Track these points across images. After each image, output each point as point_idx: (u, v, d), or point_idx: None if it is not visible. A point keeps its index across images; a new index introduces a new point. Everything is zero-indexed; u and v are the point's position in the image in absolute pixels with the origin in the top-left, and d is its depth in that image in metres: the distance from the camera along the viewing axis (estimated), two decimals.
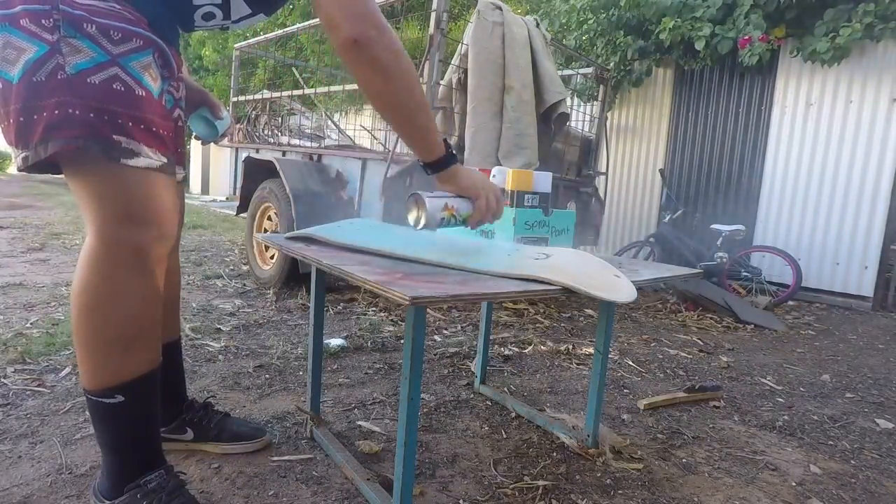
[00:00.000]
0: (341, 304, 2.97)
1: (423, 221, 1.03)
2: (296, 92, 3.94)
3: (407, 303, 0.75)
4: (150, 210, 0.92)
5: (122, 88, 0.87)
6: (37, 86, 0.82)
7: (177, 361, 1.29)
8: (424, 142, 1.02)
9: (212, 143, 1.41)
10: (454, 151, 1.06)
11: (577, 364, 2.25)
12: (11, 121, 0.84)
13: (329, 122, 4.47)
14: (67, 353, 1.89)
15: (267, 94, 4.20)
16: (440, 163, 1.05)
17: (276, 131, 4.46)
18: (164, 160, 0.94)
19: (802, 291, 4.26)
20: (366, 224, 1.46)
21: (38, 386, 1.61)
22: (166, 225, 0.96)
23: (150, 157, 0.91)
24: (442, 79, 3.01)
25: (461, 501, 1.18)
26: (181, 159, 1.03)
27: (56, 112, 0.82)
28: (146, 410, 0.99)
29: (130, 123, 0.88)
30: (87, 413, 1.45)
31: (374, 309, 2.90)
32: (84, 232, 5.16)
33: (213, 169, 15.29)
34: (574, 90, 5.21)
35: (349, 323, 2.60)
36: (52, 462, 1.22)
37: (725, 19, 4.47)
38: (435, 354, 2.22)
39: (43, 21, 0.82)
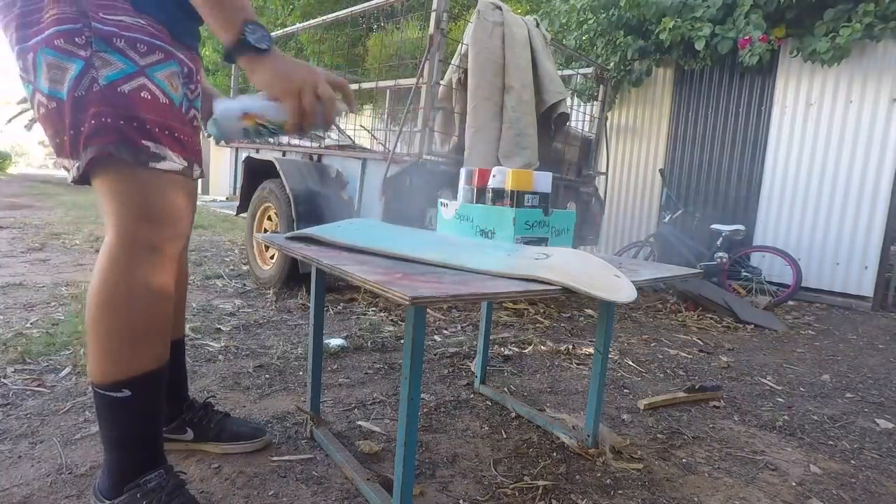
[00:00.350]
0: (341, 304, 2.97)
1: (214, 130, 0.92)
2: None
3: (407, 303, 0.75)
4: (167, 210, 0.96)
5: (149, 97, 0.92)
6: (79, 100, 0.88)
7: (180, 361, 1.30)
8: (220, 21, 0.89)
9: (211, 143, 1.41)
10: (267, 36, 0.89)
11: (577, 364, 2.25)
12: (67, 137, 0.90)
13: None
14: (67, 353, 1.89)
15: None
16: (231, 50, 0.90)
17: None
18: (185, 163, 0.98)
19: (802, 291, 4.26)
20: (366, 224, 1.46)
21: (38, 386, 1.61)
22: (182, 224, 1.00)
23: (174, 161, 0.96)
24: (442, 79, 3.01)
25: (461, 501, 1.18)
26: (199, 158, 1.06)
27: (93, 122, 0.88)
28: (151, 408, 1.01)
29: (157, 129, 0.92)
30: (93, 410, 1.45)
31: (374, 309, 2.90)
32: (85, 232, 5.17)
33: (213, 169, 15.29)
34: (574, 90, 5.21)
35: (349, 323, 2.60)
36: (52, 462, 1.22)
37: (725, 19, 4.47)
38: (435, 354, 2.22)
39: (76, 39, 0.87)
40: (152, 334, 0.98)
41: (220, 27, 0.89)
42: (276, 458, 1.30)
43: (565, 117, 3.29)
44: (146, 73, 0.92)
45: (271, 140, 0.95)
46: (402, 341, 2.35)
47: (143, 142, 0.91)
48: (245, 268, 3.82)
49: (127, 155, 0.90)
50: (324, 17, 3.66)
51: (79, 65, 0.87)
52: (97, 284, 0.94)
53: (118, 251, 0.93)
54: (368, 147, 3.90)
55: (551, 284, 0.92)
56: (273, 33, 4.42)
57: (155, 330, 0.98)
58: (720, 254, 4.21)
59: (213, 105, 0.95)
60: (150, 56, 0.92)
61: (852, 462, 1.51)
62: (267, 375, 1.84)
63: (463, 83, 3.07)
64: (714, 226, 4.34)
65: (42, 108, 0.91)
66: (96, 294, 0.94)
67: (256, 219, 3.39)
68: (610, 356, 2.38)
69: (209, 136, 1.18)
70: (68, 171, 0.94)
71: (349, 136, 4.03)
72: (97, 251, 4.09)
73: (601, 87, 4.19)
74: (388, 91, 4.42)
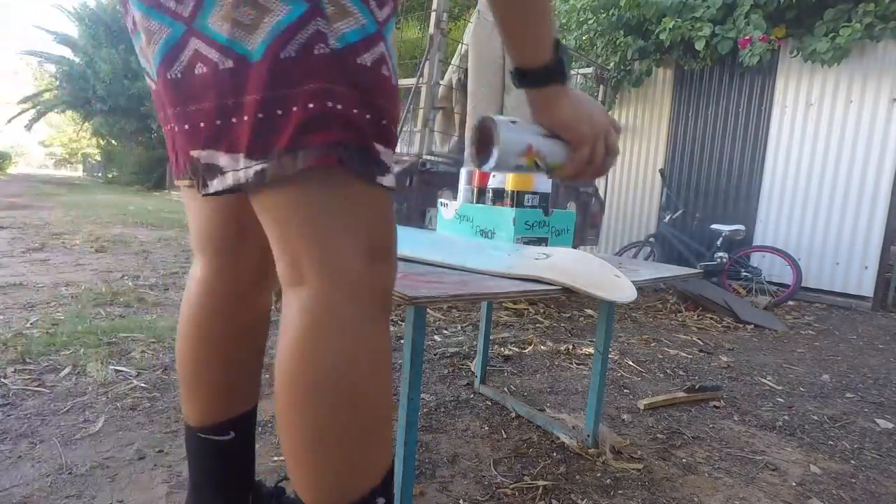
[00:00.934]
0: None
1: (492, 162, 0.71)
2: None
3: (407, 303, 0.75)
4: (392, 241, 0.66)
5: (388, 75, 0.60)
6: (286, 66, 0.54)
7: (251, 436, 0.94)
8: (535, 32, 0.66)
9: None
10: (560, 64, 0.69)
11: (577, 364, 2.25)
12: (245, 117, 0.55)
13: None
14: (67, 352, 1.89)
15: None
16: (540, 74, 0.68)
17: None
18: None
19: (802, 291, 4.26)
20: None
21: (38, 386, 1.61)
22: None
23: (394, 172, 0.65)
24: (442, 79, 3.01)
25: (461, 501, 1.18)
26: None
27: (310, 105, 0.55)
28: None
29: (392, 126, 0.62)
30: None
31: None
32: (84, 232, 5.16)
33: None
34: None
35: None
36: (52, 462, 1.22)
37: (725, 19, 4.47)
38: (435, 354, 2.22)
39: None
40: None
41: (540, 43, 0.67)
42: (276, 458, 1.30)
43: None
44: (384, 36, 0.59)
45: (523, 172, 0.76)
46: (402, 341, 2.34)
47: (375, 145, 0.59)
48: None
49: (359, 165, 0.58)
50: None
51: (297, 7, 0.53)
52: (315, 365, 0.59)
53: (342, 307, 0.60)
54: None
55: (551, 284, 0.92)
56: None
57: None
58: (720, 254, 4.21)
59: (495, 129, 0.70)
60: (386, 7, 0.59)
61: (852, 462, 1.51)
62: (267, 375, 1.84)
63: (463, 83, 3.08)
64: (714, 226, 4.34)
65: (199, 64, 0.55)
66: (315, 381, 0.59)
67: None
68: (610, 356, 2.38)
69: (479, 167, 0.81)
70: (210, 171, 0.58)
71: None
72: (97, 251, 4.11)
73: (601, 87, 4.19)
74: None
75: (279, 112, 0.54)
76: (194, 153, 0.58)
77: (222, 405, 0.87)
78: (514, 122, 0.71)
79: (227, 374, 0.87)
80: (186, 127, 0.58)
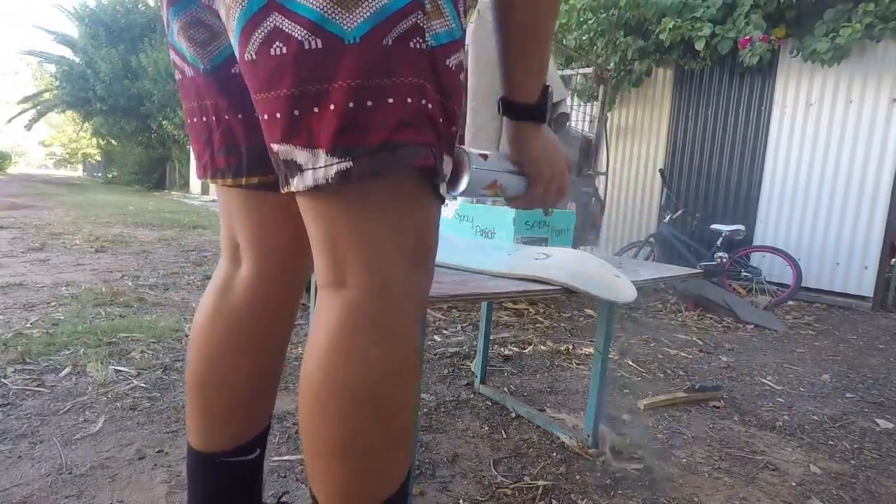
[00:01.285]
0: None
1: (459, 189, 0.76)
2: None
3: None
4: (434, 250, 0.64)
5: (463, 81, 0.60)
6: (387, 54, 0.50)
7: (263, 456, 0.88)
8: (535, 78, 0.71)
9: None
10: (543, 107, 0.75)
11: (577, 364, 2.25)
12: (331, 106, 0.50)
13: None
14: (67, 352, 1.89)
15: None
16: (525, 109, 0.72)
17: None
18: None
19: (802, 291, 4.26)
20: None
21: (38, 386, 1.61)
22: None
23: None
24: None
25: (461, 501, 1.18)
26: None
27: (409, 100, 0.51)
28: None
29: (456, 135, 0.61)
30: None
31: None
32: (85, 232, 5.16)
33: None
34: (574, 90, 5.21)
35: None
36: (52, 462, 1.22)
37: (725, 19, 4.48)
38: (435, 354, 2.22)
39: None
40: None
41: (536, 83, 0.70)
42: (276, 458, 1.30)
43: (565, 117, 3.29)
44: (464, 44, 0.59)
45: (481, 198, 0.88)
46: None
47: (446, 154, 0.59)
48: None
49: (440, 171, 0.57)
50: None
51: None
52: (351, 376, 0.56)
53: (383, 310, 0.57)
54: None
55: (551, 284, 0.92)
56: None
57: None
58: (720, 254, 4.21)
59: (467, 162, 0.74)
60: (466, 15, 0.59)
61: (852, 462, 1.51)
62: None
63: (463, 83, 3.07)
64: (714, 226, 4.34)
65: (278, 43, 0.49)
66: (347, 386, 0.56)
67: None
68: (610, 356, 2.38)
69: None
70: (290, 168, 0.54)
71: None
72: (97, 251, 4.11)
73: (601, 87, 4.19)
74: None
75: (370, 104, 0.50)
76: (274, 147, 0.53)
77: (255, 421, 0.81)
78: (484, 155, 0.76)
79: (271, 388, 0.82)
80: (265, 117, 0.53)
